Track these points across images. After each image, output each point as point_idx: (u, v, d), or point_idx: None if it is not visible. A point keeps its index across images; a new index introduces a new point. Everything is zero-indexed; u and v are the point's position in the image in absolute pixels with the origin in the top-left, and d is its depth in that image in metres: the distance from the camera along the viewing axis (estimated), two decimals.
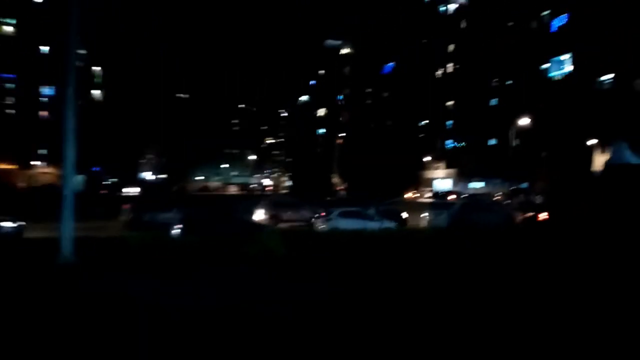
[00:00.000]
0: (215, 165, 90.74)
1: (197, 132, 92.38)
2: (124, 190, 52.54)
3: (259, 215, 29.10)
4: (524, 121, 48.91)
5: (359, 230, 21.28)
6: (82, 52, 51.19)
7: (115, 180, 59.82)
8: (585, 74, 48.39)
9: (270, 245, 14.40)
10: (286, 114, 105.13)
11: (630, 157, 17.35)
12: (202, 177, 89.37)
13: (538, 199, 44.72)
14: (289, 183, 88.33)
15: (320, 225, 22.87)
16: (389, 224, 22.28)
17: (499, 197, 48.36)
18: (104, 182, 57.47)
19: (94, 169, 57.37)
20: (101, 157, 58.68)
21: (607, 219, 15.56)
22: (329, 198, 39.62)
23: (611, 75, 46.76)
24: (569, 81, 50.48)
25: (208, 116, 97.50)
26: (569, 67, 51.43)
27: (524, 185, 53.68)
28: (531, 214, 24.01)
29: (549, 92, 51.89)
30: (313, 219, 23.73)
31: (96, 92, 70.88)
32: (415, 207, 29.45)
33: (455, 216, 22.86)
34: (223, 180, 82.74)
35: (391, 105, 71.76)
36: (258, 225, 24.22)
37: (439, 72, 68.69)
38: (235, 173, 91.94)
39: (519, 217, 23.98)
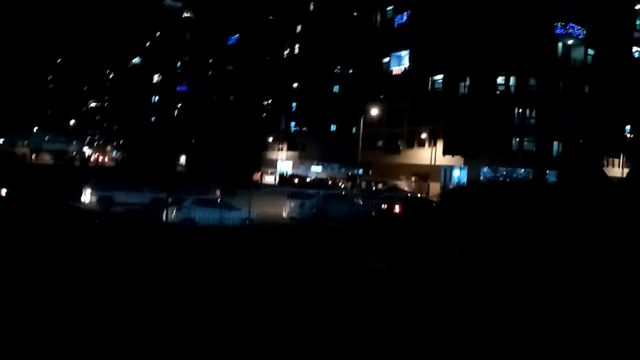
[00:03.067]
0: (24, 128, 76.52)
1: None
2: None
3: (87, 196, 24.89)
4: (373, 111, 50.72)
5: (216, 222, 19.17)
6: None
7: None
8: (420, 72, 51.93)
9: None
10: (113, 75, 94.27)
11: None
12: (1, 141, 75.01)
13: (380, 186, 47.02)
14: (115, 154, 79.88)
15: (171, 215, 19.97)
16: (248, 214, 20.42)
17: (344, 184, 49.70)
18: None
19: None
20: None
21: None
22: (169, 178, 35.76)
23: (441, 76, 50.99)
24: (406, 77, 53.71)
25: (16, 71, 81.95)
26: (406, 63, 54.73)
27: (359, 171, 56.24)
28: (385, 205, 24.43)
29: (389, 85, 54.65)
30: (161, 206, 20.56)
31: None
32: (269, 191, 28.02)
33: (318, 207, 22.02)
34: (33, 146, 70.02)
35: (235, 80, 68.91)
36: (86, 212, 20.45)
37: (286, 52, 67.89)
38: (49, 138, 79.18)
39: (376, 208, 24.21)
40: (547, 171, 44.47)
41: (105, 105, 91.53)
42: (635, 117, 49.68)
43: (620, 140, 50.96)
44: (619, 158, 50.91)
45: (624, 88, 48.18)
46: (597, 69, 48.42)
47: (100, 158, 68.56)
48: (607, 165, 49.50)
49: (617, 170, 48.97)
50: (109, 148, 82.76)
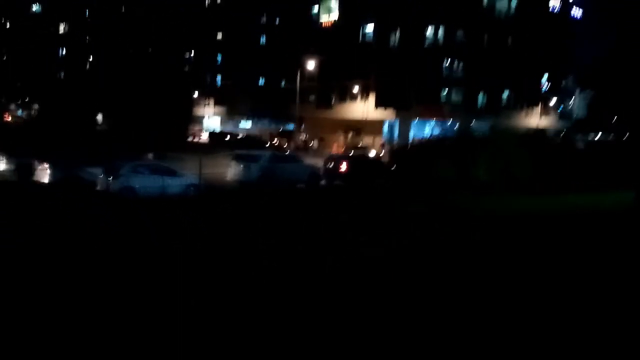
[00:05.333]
0: None
1: None
2: None
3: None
4: (304, 64, 49.32)
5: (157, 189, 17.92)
6: None
7: None
8: (350, 23, 51.00)
9: None
10: (10, 26, 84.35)
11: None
12: None
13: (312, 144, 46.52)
14: (20, 113, 72.77)
15: (108, 183, 18.35)
16: (192, 180, 19.30)
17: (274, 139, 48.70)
18: None
19: None
20: None
21: None
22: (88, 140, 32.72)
23: (371, 27, 50.43)
24: (336, 28, 52.60)
25: None
26: (336, 14, 53.45)
27: (290, 126, 55.44)
28: (331, 164, 24.13)
29: (319, 36, 53.30)
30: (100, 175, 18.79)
31: None
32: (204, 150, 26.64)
33: (263, 169, 21.24)
34: None
35: (152, 31, 64.04)
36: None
37: (208, 0, 63.97)
38: None
39: (322, 168, 23.85)
40: (473, 121, 46.20)
41: (4, 59, 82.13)
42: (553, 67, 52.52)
43: (537, 90, 53.88)
44: (537, 108, 53.93)
45: (542, 40, 50.50)
46: (519, 21, 50.15)
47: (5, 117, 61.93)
48: (526, 115, 52.36)
49: (535, 120, 51.89)
50: (12, 106, 75.01)
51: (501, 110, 47.30)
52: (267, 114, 58.26)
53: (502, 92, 50.78)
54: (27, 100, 71.60)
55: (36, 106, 61.38)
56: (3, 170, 21.27)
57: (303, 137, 49.16)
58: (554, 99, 56.91)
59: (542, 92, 54.56)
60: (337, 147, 46.05)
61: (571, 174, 18.84)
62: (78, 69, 61.06)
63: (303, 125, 53.18)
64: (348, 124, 49.21)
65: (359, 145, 41.88)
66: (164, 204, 15.40)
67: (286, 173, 21.36)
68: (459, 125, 45.90)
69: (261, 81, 60.74)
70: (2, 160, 21.99)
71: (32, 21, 76.17)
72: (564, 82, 58.19)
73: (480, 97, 49.44)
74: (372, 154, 31.03)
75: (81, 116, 40.03)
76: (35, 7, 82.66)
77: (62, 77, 64.06)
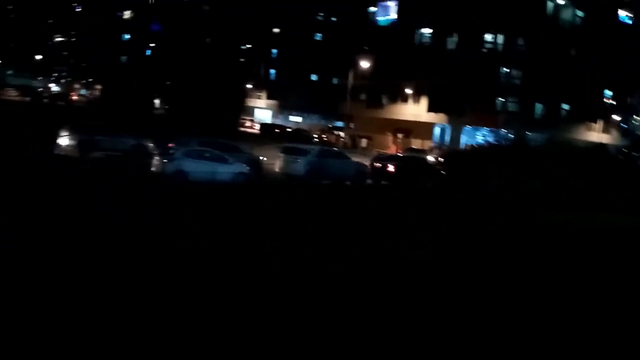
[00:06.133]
0: None
1: None
2: None
3: (64, 140, 23.16)
4: (358, 63, 49.19)
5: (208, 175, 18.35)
6: None
7: None
8: (407, 25, 50.47)
9: None
10: (80, 9, 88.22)
11: None
12: None
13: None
14: (83, 92, 76.10)
15: (159, 165, 18.96)
16: (243, 168, 19.67)
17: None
18: None
19: None
20: None
21: None
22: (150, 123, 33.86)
23: (429, 30, 49.73)
24: (392, 29, 52.17)
25: None
26: (393, 15, 53.03)
27: (339, 123, 55.39)
28: (380, 164, 24.03)
29: (374, 36, 53.03)
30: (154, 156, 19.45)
31: None
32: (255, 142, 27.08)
33: (311, 163, 21.36)
34: None
35: (212, 21, 65.58)
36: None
37: None
38: (11, 72, 74.08)
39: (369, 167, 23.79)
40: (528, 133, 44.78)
41: (72, 41, 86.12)
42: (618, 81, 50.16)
43: (600, 105, 51.60)
44: (597, 123, 51.73)
45: (608, 52, 48.30)
46: (584, 31, 48.16)
47: (69, 95, 64.95)
48: (586, 130, 50.35)
49: (594, 135, 49.80)
50: (77, 85, 78.63)
51: (559, 123, 45.64)
52: (317, 110, 58.56)
53: (561, 104, 48.93)
54: (90, 80, 74.88)
55: (99, 87, 64.05)
56: (67, 145, 22.06)
57: (352, 134, 49.08)
58: (617, 116, 54.35)
59: (605, 106, 52.22)
60: (392, 147, 45.64)
61: (630, 192, 17.97)
62: (139, 54, 63.36)
63: (352, 124, 53.10)
64: (397, 125, 48.79)
65: (414, 147, 41.28)
66: (211, 191, 15.72)
67: (333, 169, 21.39)
68: (514, 135, 44.58)
69: (314, 77, 61.08)
70: (67, 135, 22.94)
71: (99, 6, 79.30)
72: (629, 99, 55.50)
73: (537, 108, 47.85)
74: (430, 158, 30.27)
75: (140, 99, 41.40)
76: None
77: (124, 61, 66.51)
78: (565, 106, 49.45)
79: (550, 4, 47.57)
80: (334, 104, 54.70)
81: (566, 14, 48.57)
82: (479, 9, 44.21)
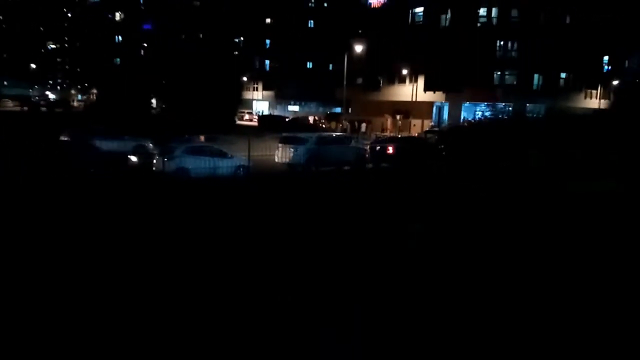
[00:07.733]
0: None
1: None
2: None
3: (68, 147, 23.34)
4: (352, 47, 48.86)
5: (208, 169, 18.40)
6: None
7: None
8: (399, 4, 50.02)
9: None
10: (71, 15, 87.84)
11: None
12: None
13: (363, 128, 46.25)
14: (80, 97, 76.16)
15: (160, 164, 19.02)
16: (243, 161, 19.71)
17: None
18: None
19: None
20: None
21: None
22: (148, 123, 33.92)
23: (421, 9, 49.26)
24: (385, 10, 51.75)
25: None
26: None
27: (337, 109, 55.26)
28: (379, 146, 24.01)
29: (367, 19, 52.66)
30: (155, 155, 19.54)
31: None
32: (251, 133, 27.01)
33: (310, 151, 21.39)
34: None
35: (203, 16, 65.21)
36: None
37: None
38: (8, 83, 74.05)
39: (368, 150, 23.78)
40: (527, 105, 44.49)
41: (66, 46, 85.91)
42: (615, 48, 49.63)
43: (599, 72, 51.14)
44: (597, 90, 51.29)
45: (603, 19, 47.71)
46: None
47: (66, 102, 65.02)
48: (585, 97, 49.98)
49: (594, 101, 49.46)
50: (73, 91, 78.69)
51: (558, 93, 45.30)
52: (315, 98, 58.41)
53: (560, 73, 48.54)
54: (86, 85, 74.87)
55: (95, 91, 64.09)
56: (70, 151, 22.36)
57: (351, 119, 48.98)
58: (616, 81, 53.93)
59: (603, 72, 51.77)
60: (390, 129, 45.62)
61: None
62: (133, 55, 63.22)
63: (350, 109, 52.95)
64: (396, 107, 48.61)
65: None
66: (213, 186, 15.83)
67: (333, 155, 21.38)
68: (513, 107, 44.32)
69: (309, 65, 60.84)
70: (67, 140, 23.12)
71: (90, 10, 79.01)
72: (626, 63, 54.99)
73: (536, 79, 47.50)
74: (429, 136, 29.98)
75: (137, 100, 41.45)
76: None
77: (118, 63, 66.39)
78: (563, 75, 49.10)
79: None
80: (331, 91, 54.55)
81: None
82: None
